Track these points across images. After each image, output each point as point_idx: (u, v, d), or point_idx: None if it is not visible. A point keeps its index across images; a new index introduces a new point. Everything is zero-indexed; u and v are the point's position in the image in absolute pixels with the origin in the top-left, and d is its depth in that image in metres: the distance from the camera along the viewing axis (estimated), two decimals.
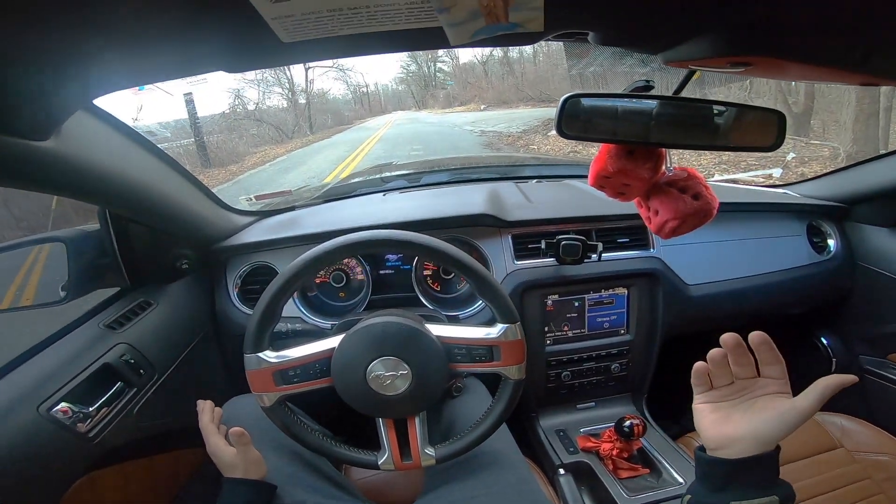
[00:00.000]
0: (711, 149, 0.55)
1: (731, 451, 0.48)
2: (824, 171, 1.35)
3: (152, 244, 0.94)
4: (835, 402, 1.32)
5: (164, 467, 0.93)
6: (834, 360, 1.31)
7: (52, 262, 0.84)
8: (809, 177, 1.37)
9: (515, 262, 1.07)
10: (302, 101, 23.39)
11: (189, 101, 12.35)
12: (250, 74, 21.35)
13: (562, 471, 0.98)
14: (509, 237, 1.08)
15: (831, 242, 1.25)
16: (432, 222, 1.07)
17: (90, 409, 0.70)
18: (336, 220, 1.15)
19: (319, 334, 0.73)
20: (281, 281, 0.68)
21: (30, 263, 0.89)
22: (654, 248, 1.11)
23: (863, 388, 1.23)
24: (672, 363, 1.20)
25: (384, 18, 0.38)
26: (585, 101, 0.50)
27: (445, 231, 1.08)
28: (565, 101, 0.50)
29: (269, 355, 0.69)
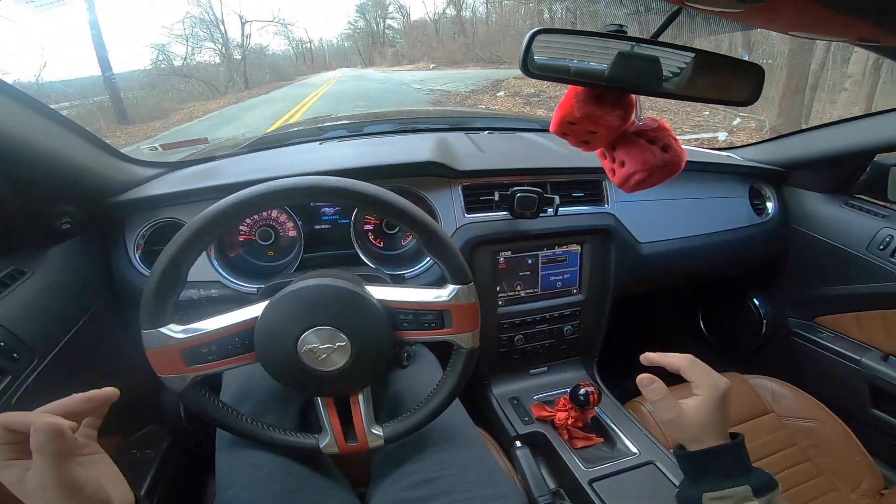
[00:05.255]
0: (685, 98, 0.52)
1: (700, 445, 0.51)
2: (751, 141, 1.39)
3: (19, 201, 0.77)
4: (766, 366, 1.38)
5: None
6: (764, 321, 1.38)
7: None
8: (746, 143, 1.39)
9: (466, 214, 0.99)
10: (237, 56, 21.74)
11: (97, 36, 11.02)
12: (178, 28, 19.55)
13: (518, 443, 0.95)
14: (460, 188, 1.00)
15: (770, 205, 1.28)
16: (374, 170, 0.96)
17: None
18: (262, 168, 1.01)
19: (244, 301, 0.62)
20: (183, 237, 0.56)
21: None
22: (608, 204, 1.08)
23: (791, 350, 1.30)
24: (618, 324, 1.20)
25: None
26: (553, 38, 0.47)
27: (389, 181, 0.97)
28: (532, 35, 0.46)
29: (175, 329, 0.58)
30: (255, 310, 0.60)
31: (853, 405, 1.11)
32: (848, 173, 1.19)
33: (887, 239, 1.08)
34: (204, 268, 0.90)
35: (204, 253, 0.90)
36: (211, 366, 0.59)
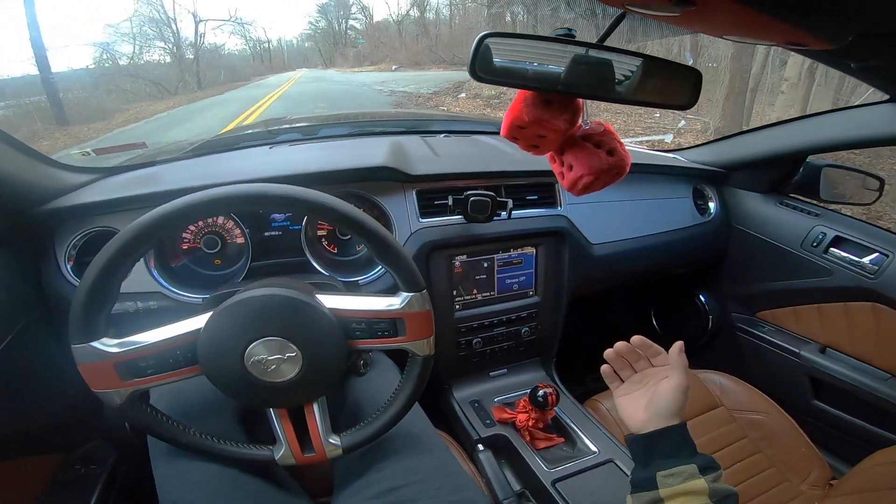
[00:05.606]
0: (629, 102, 0.52)
1: (668, 422, 0.56)
2: (697, 143, 1.44)
3: None
4: (714, 360, 1.41)
5: (7, 478, 0.83)
6: (710, 317, 1.43)
7: None
8: (692, 144, 1.45)
9: (420, 219, 0.98)
10: (190, 56, 20.84)
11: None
12: (125, 27, 18.58)
13: (480, 447, 0.95)
14: (414, 193, 0.99)
15: (712, 205, 1.34)
16: (325, 175, 0.93)
17: None
18: (206, 175, 0.97)
19: (188, 312, 0.59)
20: (112, 249, 0.53)
21: None
22: (561, 207, 1.09)
23: (735, 344, 1.36)
24: (575, 325, 1.21)
25: None
26: (503, 42, 0.47)
27: (341, 186, 0.95)
28: (481, 39, 0.46)
29: (108, 343, 0.55)
30: (198, 321, 0.57)
31: (796, 397, 1.16)
32: (782, 174, 1.25)
33: (819, 236, 1.15)
34: (142, 278, 0.85)
35: (143, 262, 0.85)
36: (150, 380, 0.57)
